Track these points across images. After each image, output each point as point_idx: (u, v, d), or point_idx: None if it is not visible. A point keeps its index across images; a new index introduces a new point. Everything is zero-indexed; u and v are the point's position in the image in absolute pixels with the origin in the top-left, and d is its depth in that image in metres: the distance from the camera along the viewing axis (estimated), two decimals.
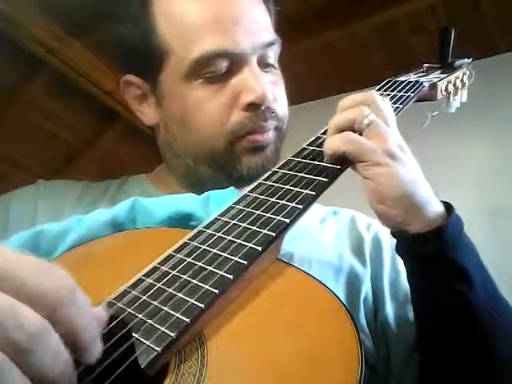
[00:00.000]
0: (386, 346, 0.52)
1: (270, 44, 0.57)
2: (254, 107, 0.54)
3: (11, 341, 0.22)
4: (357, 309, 0.52)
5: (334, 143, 0.45)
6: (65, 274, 0.25)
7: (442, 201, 0.46)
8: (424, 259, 0.44)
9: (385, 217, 0.45)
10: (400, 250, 0.47)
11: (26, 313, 0.23)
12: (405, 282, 0.56)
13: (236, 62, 0.54)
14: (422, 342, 0.49)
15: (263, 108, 0.55)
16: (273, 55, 0.59)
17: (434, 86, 0.61)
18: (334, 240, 0.59)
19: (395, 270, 0.57)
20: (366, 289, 0.55)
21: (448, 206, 0.46)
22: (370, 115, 0.45)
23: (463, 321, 0.43)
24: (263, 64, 0.58)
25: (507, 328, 0.45)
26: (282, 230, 0.39)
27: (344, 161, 0.45)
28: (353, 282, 0.54)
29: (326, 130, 0.49)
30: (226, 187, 0.54)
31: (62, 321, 0.24)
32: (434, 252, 0.43)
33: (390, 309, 0.54)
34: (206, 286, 0.34)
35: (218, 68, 0.54)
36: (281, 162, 0.49)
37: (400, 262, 0.58)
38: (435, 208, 0.44)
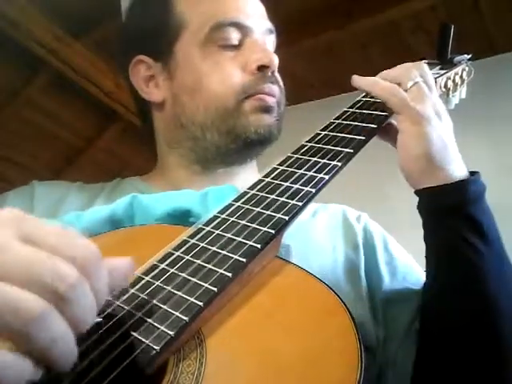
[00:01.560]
0: (385, 322, 0.53)
1: (271, 31, 0.64)
2: (262, 69, 0.59)
3: (53, 290, 0.24)
4: (360, 292, 0.53)
5: (383, 90, 0.51)
6: (90, 241, 0.28)
7: (470, 171, 0.50)
8: (443, 211, 0.47)
9: (404, 167, 0.50)
10: (422, 209, 0.49)
11: (65, 265, 0.25)
12: (401, 266, 0.58)
13: (246, 35, 0.61)
14: (427, 304, 0.50)
15: (270, 73, 0.60)
16: (271, 45, 0.65)
17: None
18: (327, 232, 0.60)
19: (390, 254, 0.59)
20: (363, 275, 0.56)
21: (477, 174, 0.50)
22: (416, 78, 0.51)
23: (474, 276, 0.46)
24: None
25: None
26: (281, 227, 0.39)
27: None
28: (350, 270, 0.55)
29: (329, 124, 0.52)
30: (232, 157, 0.61)
31: (91, 280, 0.26)
32: (454, 204, 0.47)
33: (388, 286, 0.55)
34: (205, 284, 0.34)
35: (231, 36, 0.60)
36: (280, 159, 0.48)
37: (394, 248, 0.60)
38: (457, 173, 0.48)
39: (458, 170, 0.49)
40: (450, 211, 0.47)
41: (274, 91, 0.60)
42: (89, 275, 0.26)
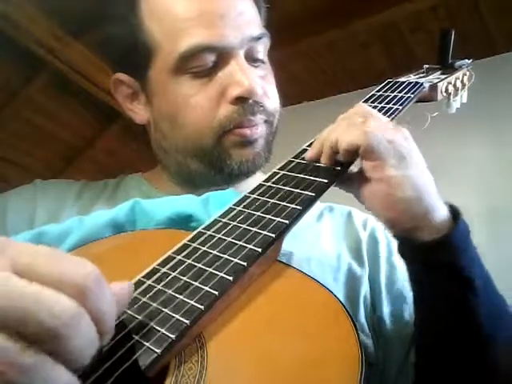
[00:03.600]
0: (384, 344, 0.52)
1: (258, 38, 0.57)
2: (241, 100, 0.54)
3: (46, 329, 0.22)
4: (357, 308, 0.52)
5: (353, 135, 0.42)
6: (87, 261, 0.25)
7: (447, 203, 0.45)
8: (430, 266, 0.43)
9: (393, 224, 0.43)
10: (406, 256, 0.45)
11: (58, 298, 0.23)
12: (400, 278, 0.56)
13: (223, 56, 0.54)
14: (420, 346, 0.48)
15: (251, 102, 0.54)
16: (262, 49, 0.59)
17: (434, 86, 0.61)
18: (331, 238, 0.59)
19: (391, 265, 0.57)
20: (365, 287, 0.55)
21: (455, 210, 0.45)
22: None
23: (465, 327, 0.43)
24: (252, 58, 0.58)
25: (507, 330, 0.44)
26: (281, 231, 0.39)
27: (350, 159, 0.44)
28: (352, 282, 0.54)
29: None
30: (219, 184, 0.56)
31: (89, 306, 0.24)
32: (441, 259, 0.42)
33: (386, 307, 0.54)
34: (206, 288, 0.34)
35: (204, 62, 0.54)
36: (281, 163, 0.49)
37: (396, 258, 0.58)
38: (442, 213, 0.43)
39: (441, 208, 0.43)
40: (439, 266, 0.42)
41: (256, 121, 0.55)
42: (89, 301, 0.24)
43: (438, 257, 0.42)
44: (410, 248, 0.44)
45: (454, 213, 0.44)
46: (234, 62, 0.54)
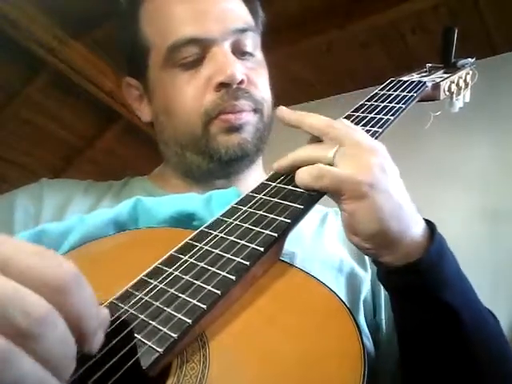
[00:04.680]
0: (379, 351, 0.51)
1: (242, 30, 0.59)
2: (224, 86, 0.56)
3: (16, 327, 0.22)
4: (357, 310, 0.52)
5: (303, 179, 0.41)
6: (67, 261, 0.25)
7: (426, 221, 0.43)
8: (399, 290, 0.43)
9: (358, 247, 0.42)
10: (378, 277, 0.45)
11: (31, 297, 0.23)
12: None
13: (207, 48, 0.57)
14: (403, 363, 0.46)
15: (235, 87, 0.56)
16: (249, 43, 0.60)
17: (436, 85, 0.60)
18: (335, 241, 0.59)
19: None
20: (366, 290, 0.54)
21: (433, 228, 0.43)
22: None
23: (446, 346, 0.41)
24: (239, 51, 0.59)
25: (490, 342, 0.43)
26: (284, 230, 0.39)
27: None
28: (353, 283, 0.54)
29: None
30: (216, 175, 0.59)
31: (65, 307, 0.24)
32: (410, 284, 0.41)
33: (384, 312, 0.54)
34: (209, 287, 0.34)
35: (190, 54, 0.57)
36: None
37: None
38: (413, 240, 0.41)
39: (414, 236, 0.41)
40: (409, 291, 0.41)
41: (241, 106, 0.56)
42: (64, 302, 0.24)
43: (404, 281, 0.41)
44: (379, 271, 0.44)
45: (433, 231, 0.42)
46: (218, 51, 0.57)
